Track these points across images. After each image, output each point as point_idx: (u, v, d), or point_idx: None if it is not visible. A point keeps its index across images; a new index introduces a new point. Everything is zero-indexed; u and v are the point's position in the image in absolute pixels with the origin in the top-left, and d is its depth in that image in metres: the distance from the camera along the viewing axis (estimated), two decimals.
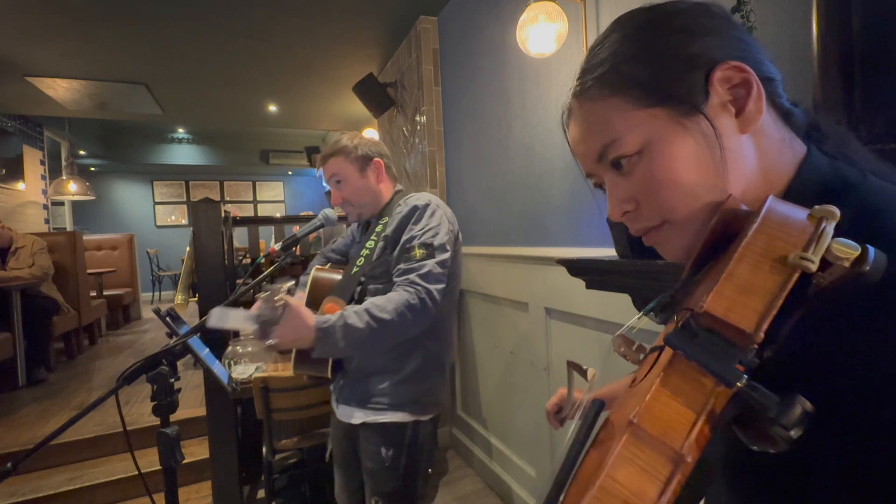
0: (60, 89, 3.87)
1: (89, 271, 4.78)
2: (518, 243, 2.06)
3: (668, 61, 0.41)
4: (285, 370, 1.83)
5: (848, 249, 0.29)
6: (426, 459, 1.28)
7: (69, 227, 6.43)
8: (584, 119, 0.45)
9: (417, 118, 2.87)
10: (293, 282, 1.02)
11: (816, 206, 0.32)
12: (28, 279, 3.46)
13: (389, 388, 1.21)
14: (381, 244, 1.24)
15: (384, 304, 1.09)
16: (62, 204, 6.35)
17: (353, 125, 5.23)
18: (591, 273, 1.31)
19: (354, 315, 1.07)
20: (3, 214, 4.60)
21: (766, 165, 0.41)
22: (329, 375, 1.25)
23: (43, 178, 5.56)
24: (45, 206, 5.58)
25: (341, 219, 1.38)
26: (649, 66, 0.41)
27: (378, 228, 1.28)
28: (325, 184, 1.37)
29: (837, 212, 0.31)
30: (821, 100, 0.79)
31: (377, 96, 3.15)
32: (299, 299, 1.11)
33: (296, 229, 1.34)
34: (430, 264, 1.14)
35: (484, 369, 2.46)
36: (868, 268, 0.28)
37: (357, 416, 1.25)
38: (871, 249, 0.28)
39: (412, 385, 1.22)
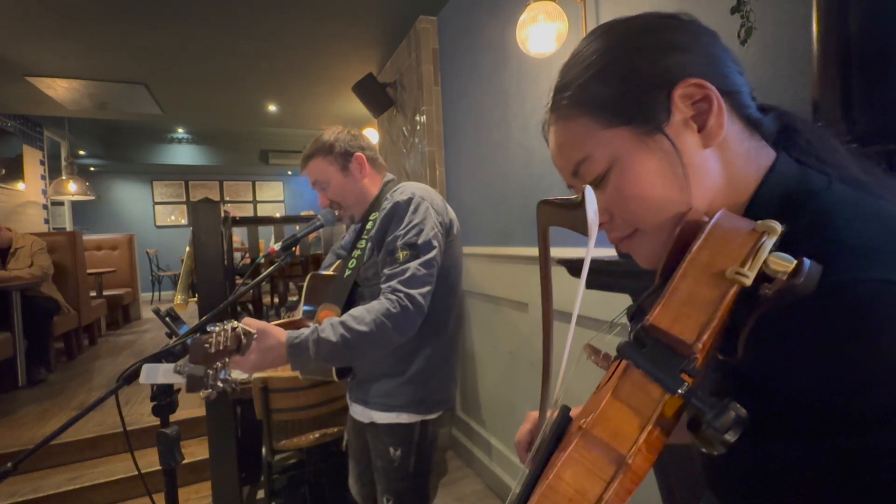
0: (60, 89, 3.87)
1: (89, 271, 4.77)
2: (518, 243, 2.06)
3: (631, 82, 0.43)
4: (284, 370, 1.83)
5: (784, 262, 0.30)
6: (435, 457, 1.28)
7: (69, 227, 6.43)
8: (558, 135, 0.47)
9: (417, 118, 2.87)
10: (235, 322, 0.99)
11: (759, 221, 0.34)
12: (28, 279, 3.46)
13: (395, 388, 1.21)
14: (369, 245, 1.22)
15: (363, 314, 1.06)
16: (62, 204, 6.34)
17: (352, 125, 5.18)
18: (591, 273, 1.30)
19: (329, 328, 1.04)
20: (3, 214, 4.61)
21: (733, 177, 0.43)
22: (335, 378, 1.25)
23: (43, 178, 5.56)
24: (45, 206, 5.58)
25: (341, 218, 1.36)
26: (613, 87, 0.43)
27: (368, 226, 1.25)
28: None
29: (779, 227, 0.33)
30: (820, 100, 0.79)
31: (377, 96, 3.15)
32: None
33: (297, 228, 1.34)
34: (413, 267, 1.10)
35: (484, 370, 2.46)
36: (801, 280, 0.29)
37: (365, 416, 1.25)
38: (806, 262, 0.29)
39: (417, 385, 1.21)
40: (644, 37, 0.44)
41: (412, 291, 1.08)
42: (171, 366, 0.92)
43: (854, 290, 0.31)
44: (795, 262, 0.30)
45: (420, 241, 1.13)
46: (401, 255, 1.12)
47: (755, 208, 0.41)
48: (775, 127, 0.45)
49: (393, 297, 1.08)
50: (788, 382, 0.33)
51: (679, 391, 0.31)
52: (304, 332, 1.04)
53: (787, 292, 0.30)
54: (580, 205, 0.43)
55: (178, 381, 0.93)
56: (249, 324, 0.99)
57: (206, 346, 0.93)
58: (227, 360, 0.95)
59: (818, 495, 0.33)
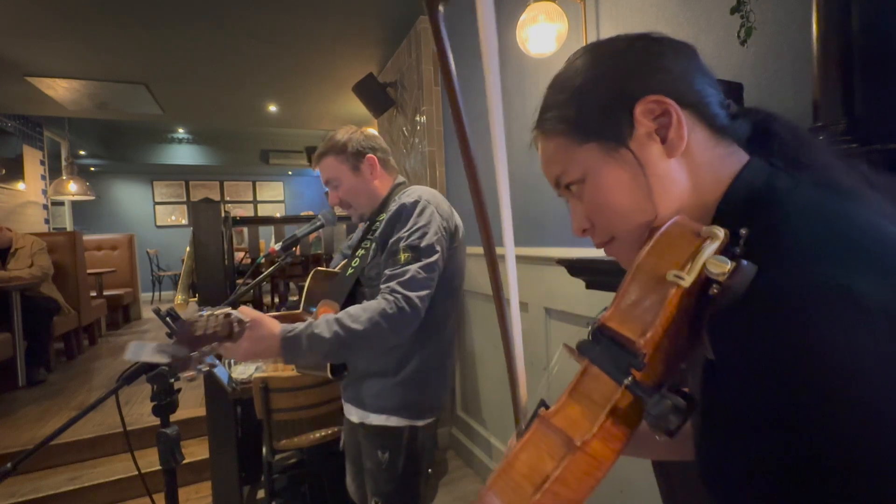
0: (60, 89, 3.87)
1: (89, 271, 4.77)
2: (518, 243, 2.05)
3: (598, 102, 0.47)
4: (285, 370, 1.83)
5: (720, 265, 0.33)
6: (426, 461, 1.27)
7: (69, 227, 6.44)
8: (542, 151, 0.53)
9: (417, 118, 2.87)
10: (229, 308, 0.99)
11: (705, 227, 0.36)
12: (28, 279, 3.46)
13: (384, 390, 1.19)
14: (373, 245, 1.22)
15: (359, 313, 1.06)
16: (62, 204, 6.35)
17: (352, 125, 5.22)
18: (591, 273, 1.31)
19: (324, 324, 1.04)
20: (3, 214, 4.61)
21: (699, 183, 0.45)
22: (329, 375, 1.24)
23: (43, 178, 5.56)
24: (45, 207, 5.58)
25: (342, 219, 1.37)
26: (584, 108, 0.48)
27: (374, 227, 1.26)
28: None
29: (721, 232, 0.35)
30: (820, 100, 0.79)
31: (377, 96, 3.15)
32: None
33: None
34: (413, 269, 1.10)
35: (484, 369, 2.46)
36: (734, 280, 0.32)
37: (355, 416, 1.25)
38: (743, 264, 0.32)
39: (408, 389, 1.20)
40: (612, 60, 0.48)
41: (410, 294, 1.08)
42: (154, 345, 0.92)
43: (785, 290, 0.32)
44: (733, 263, 0.32)
45: (423, 244, 1.13)
46: (402, 256, 1.12)
47: (722, 212, 0.43)
48: (746, 131, 0.47)
49: (390, 298, 1.07)
50: (730, 378, 0.35)
51: (624, 383, 0.34)
52: (299, 326, 1.03)
53: (725, 292, 0.32)
54: None
55: (162, 359, 0.92)
56: (245, 312, 0.99)
57: (193, 329, 0.93)
58: (215, 345, 0.95)
59: (766, 488, 0.33)
